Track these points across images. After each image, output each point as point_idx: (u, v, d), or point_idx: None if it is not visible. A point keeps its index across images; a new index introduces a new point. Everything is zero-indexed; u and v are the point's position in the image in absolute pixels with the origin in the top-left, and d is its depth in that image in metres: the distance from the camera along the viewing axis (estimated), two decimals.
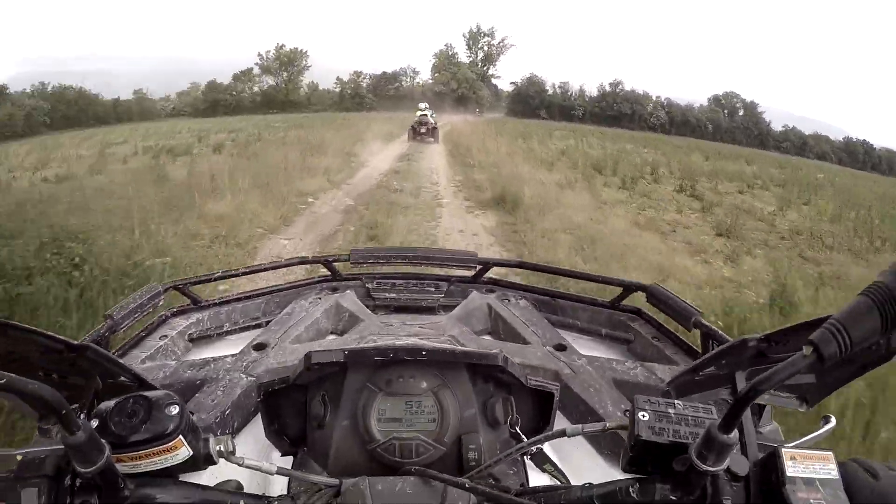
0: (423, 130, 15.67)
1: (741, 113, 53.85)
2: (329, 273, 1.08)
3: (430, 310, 1.05)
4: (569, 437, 0.54)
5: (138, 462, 0.46)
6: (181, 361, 0.79)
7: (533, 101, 62.90)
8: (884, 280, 0.39)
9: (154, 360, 0.82)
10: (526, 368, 0.67)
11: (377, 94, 57.47)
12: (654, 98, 58.96)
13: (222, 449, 0.51)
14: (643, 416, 0.49)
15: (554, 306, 1.06)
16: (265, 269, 1.08)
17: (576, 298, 1.07)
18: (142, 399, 0.49)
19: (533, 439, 0.55)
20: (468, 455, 0.59)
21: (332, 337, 0.90)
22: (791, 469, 0.47)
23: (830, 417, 0.62)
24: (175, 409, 0.47)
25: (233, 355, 0.76)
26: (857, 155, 47.58)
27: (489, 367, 0.61)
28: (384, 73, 62.52)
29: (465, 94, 57.65)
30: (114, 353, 0.79)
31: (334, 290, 1.08)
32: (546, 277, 1.08)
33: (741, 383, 0.59)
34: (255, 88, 48.15)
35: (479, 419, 0.61)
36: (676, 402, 0.50)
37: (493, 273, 1.07)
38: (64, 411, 0.40)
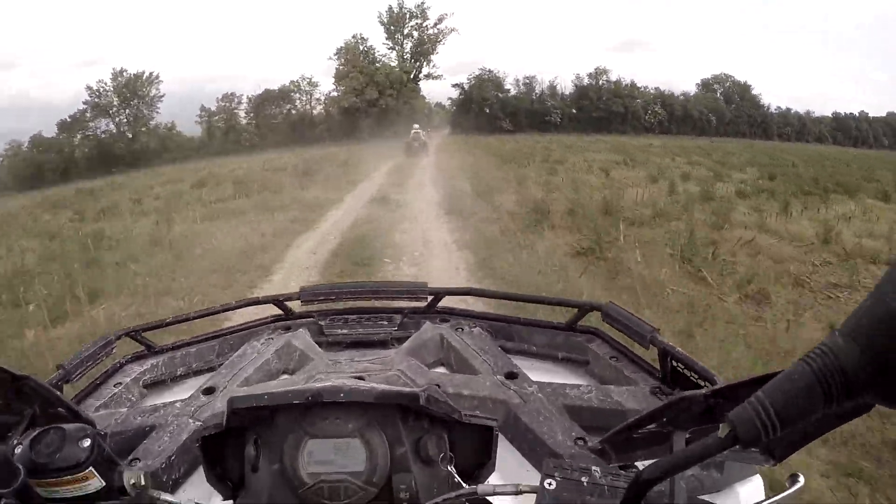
0: (416, 145, 21.21)
1: (737, 99, 46.13)
2: (282, 313, 1.12)
3: (383, 343, 1.11)
4: (479, 496, 0.56)
5: (55, 488, 0.50)
6: (132, 408, 0.87)
7: (489, 107, 48.52)
8: (829, 345, 0.32)
9: (108, 408, 0.89)
10: (474, 400, 0.74)
11: (261, 125, 42.19)
12: (642, 89, 47.50)
13: (135, 482, 0.56)
14: (549, 483, 0.48)
15: (510, 332, 1.10)
16: (217, 312, 1.13)
17: (531, 323, 1.11)
18: (58, 430, 0.53)
19: (434, 500, 0.56)
20: (399, 496, 0.59)
21: (284, 377, 0.96)
22: None
23: (798, 476, 0.53)
24: (87, 442, 0.52)
25: (182, 401, 0.84)
26: (849, 131, 45.44)
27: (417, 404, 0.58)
28: (267, 91, 44.19)
29: (392, 107, 43.35)
30: (72, 401, 0.85)
31: (287, 328, 1.12)
32: (504, 303, 1.44)
33: (678, 446, 0.54)
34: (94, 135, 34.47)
35: (410, 458, 0.62)
36: (594, 468, 0.49)
37: (450, 302, 1.12)
38: None
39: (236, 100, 41.83)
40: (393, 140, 27.00)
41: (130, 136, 37.65)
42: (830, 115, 43.73)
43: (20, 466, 0.48)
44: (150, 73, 37.84)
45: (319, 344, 1.02)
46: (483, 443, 0.62)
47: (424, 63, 45.99)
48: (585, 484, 0.49)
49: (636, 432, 0.63)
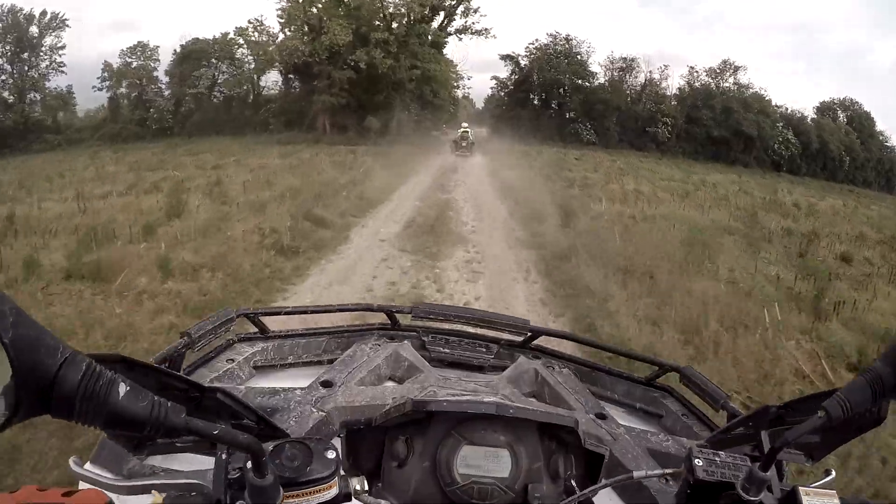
0: (464, 145, 22.09)
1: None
2: (389, 322, 1.34)
3: (479, 368, 1.29)
4: (635, 479, 0.71)
5: (296, 500, 0.57)
6: (250, 387, 1.02)
7: (560, 99, 31.77)
8: (874, 365, 0.59)
9: (221, 382, 1.04)
10: (584, 433, 0.86)
11: (180, 97, 27.84)
12: (772, 104, 33.31)
13: (358, 488, 0.65)
14: (698, 461, 0.66)
15: (594, 377, 1.29)
16: (332, 311, 1.32)
17: (614, 372, 1.30)
18: (299, 444, 0.61)
19: (600, 484, 0.72)
20: (533, 502, 0.74)
21: (391, 383, 1.15)
22: (806, 501, 0.63)
23: (831, 471, 0.83)
24: (333, 454, 0.60)
25: (301, 388, 1.00)
26: None
27: (558, 427, 0.77)
28: (195, 41, 28.94)
29: (390, 77, 27.19)
30: (184, 370, 1.02)
31: (391, 338, 1.30)
32: (589, 350, 1.82)
33: (765, 439, 0.77)
34: None
35: (543, 471, 0.77)
36: (720, 452, 0.68)
37: (541, 341, 1.36)
38: (263, 458, 0.54)
39: (150, 49, 25.58)
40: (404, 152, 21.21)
41: (11, 100, 26.85)
42: None
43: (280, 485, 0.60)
44: (52, 15, 22.85)
45: (422, 358, 1.27)
46: (594, 467, 0.82)
47: (454, 16, 31.42)
48: (719, 462, 0.67)
49: (730, 433, 0.88)
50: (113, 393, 0.45)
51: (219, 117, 27.56)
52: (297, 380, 1.05)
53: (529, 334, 1.29)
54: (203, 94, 28.21)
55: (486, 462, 0.74)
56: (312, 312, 1.28)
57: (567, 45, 29.73)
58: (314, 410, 0.90)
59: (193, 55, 28.15)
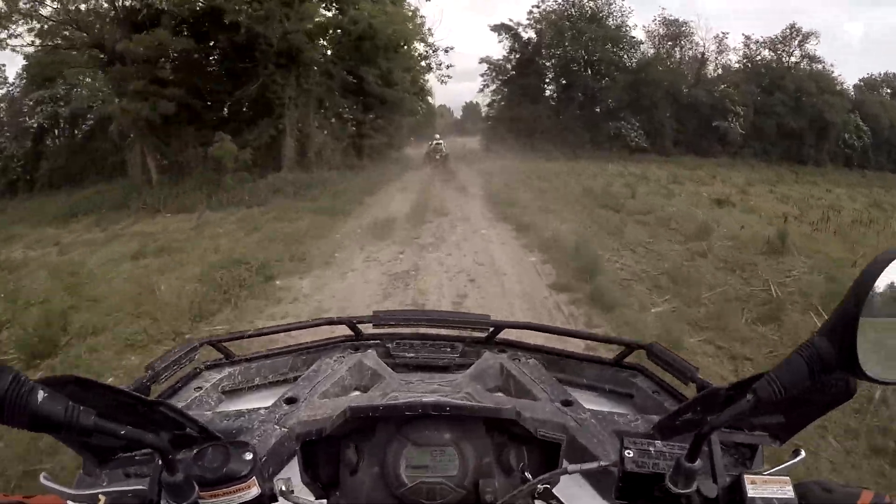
0: (437, 157, 19.72)
1: None
2: (352, 333, 1.41)
3: (445, 369, 1.35)
4: (569, 473, 0.72)
5: (216, 499, 0.63)
6: (217, 412, 1.12)
7: (587, 84, 20.12)
8: (812, 341, 0.57)
9: (190, 410, 1.08)
10: (536, 422, 0.88)
11: None
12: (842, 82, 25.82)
13: (284, 488, 0.69)
14: (629, 453, 0.66)
15: (561, 365, 1.34)
16: (294, 328, 1.38)
17: (581, 357, 1.36)
18: (221, 447, 0.66)
19: (539, 477, 0.73)
20: (485, 497, 0.76)
21: (356, 393, 1.23)
22: (752, 491, 0.59)
23: (800, 450, 0.81)
24: (249, 455, 0.66)
25: (265, 408, 1.08)
26: None
27: (503, 420, 0.81)
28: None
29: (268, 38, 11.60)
30: (156, 399, 1.14)
31: (356, 349, 1.36)
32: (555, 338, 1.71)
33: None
34: None
35: (494, 466, 0.79)
36: (656, 441, 0.69)
37: (505, 335, 1.43)
38: (170, 456, 0.61)
39: None
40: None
41: None
42: None
43: (194, 482, 0.65)
44: None
45: (386, 365, 1.34)
46: (551, 456, 0.81)
47: None
48: (653, 452, 0.65)
49: (678, 419, 0.88)
50: (33, 398, 0.54)
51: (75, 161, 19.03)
52: (264, 400, 1.11)
53: (492, 329, 1.35)
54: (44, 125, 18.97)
55: (432, 461, 0.76)
56: (274, 333, 1.36)
57: (594, 3, 20.78)
58: (277, 427, 0.95)
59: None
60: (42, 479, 0.78)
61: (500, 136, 20.40)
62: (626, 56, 20.20)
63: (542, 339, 1.59)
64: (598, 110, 20.08)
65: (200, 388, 1.14)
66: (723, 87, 20.08)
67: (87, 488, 0.76)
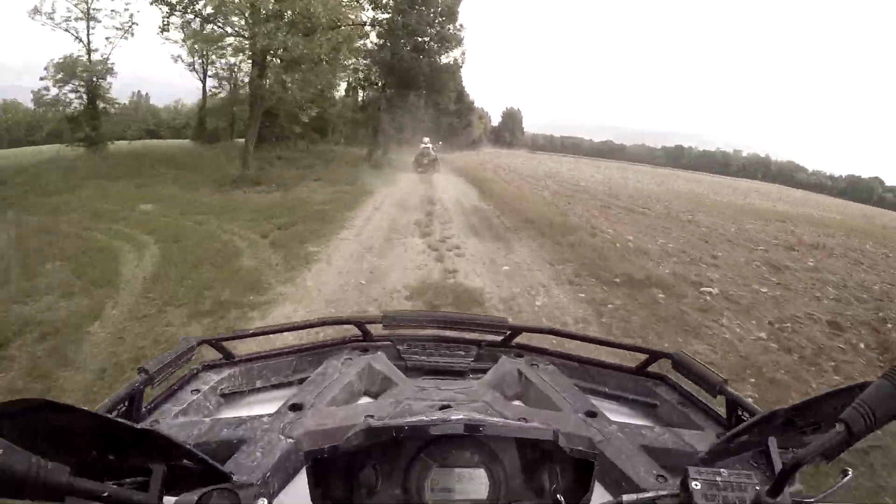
0: (425, 162, 19.99)
1: None
2: (360, 334, 1.40)
3: (459, 373, 1.35)
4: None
5: None
6: (216, 419, 1.06)
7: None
8: (891, 372, 0.62)
9: (187, 416, 1.09)
10: (563, 436, 0.89)
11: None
12: None
13: None
14: (696, 485, 0.63)
15: (581, 371, 1.35)
16: (298, 328, 1.36)
17: (604, 365, 1.37)
18: (228, 493, 0.64)
19: None
20: None
21: (365, 399, 1.21)
22: None
23: (849, 471, 0.75)
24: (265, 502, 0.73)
25: (269, 415, 1.05)
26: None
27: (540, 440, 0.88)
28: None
29: None
30: (147, 406, 1.03)
31: (365, 350, 1.35)
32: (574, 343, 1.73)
33: (774, 449, 0.78)
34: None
35: (525, 488, 0.80)
36: (721, 470, 0.67)
37: (522, 338, 1.52)
38: None
39: None
40: None
41: None
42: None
43: None
44: None
45: (397, 368, 1.31)
46: (581, 475, 0.81)
47: None
48: (720, 483, 0.62)
49: (733, 442, 0.86)
50: None
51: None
52: (267, 405, 1.06)
53: (509, 332, 1.34)
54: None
55: (459, 484, 0.73)
56: (277, 332, 1.29)
57: None
58: (282, 438, 0.89)
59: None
60: None
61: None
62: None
63: (551, 344, 1.55)
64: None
65: (198, 390, 1.09)
66: None
67: None
